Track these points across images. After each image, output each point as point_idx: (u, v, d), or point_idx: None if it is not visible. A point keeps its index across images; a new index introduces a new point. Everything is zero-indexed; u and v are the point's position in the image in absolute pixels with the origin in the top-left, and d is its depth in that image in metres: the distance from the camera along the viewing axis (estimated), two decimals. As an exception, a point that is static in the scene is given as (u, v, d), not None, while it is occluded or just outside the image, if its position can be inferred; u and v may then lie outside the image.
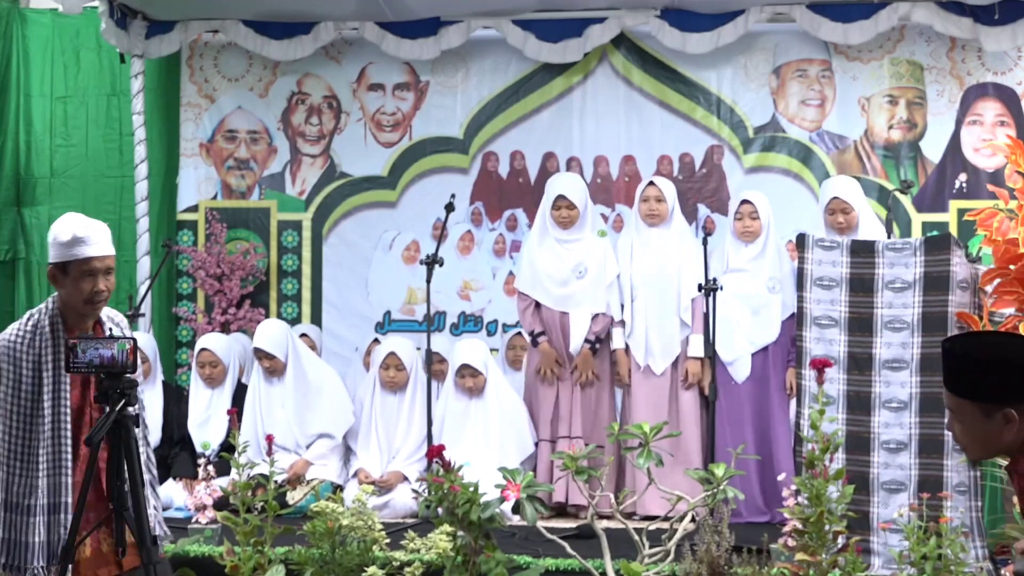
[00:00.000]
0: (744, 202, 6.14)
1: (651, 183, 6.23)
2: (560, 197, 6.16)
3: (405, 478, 6.17)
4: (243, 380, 6.57)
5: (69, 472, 3.28)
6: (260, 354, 6.27)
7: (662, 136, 7.29)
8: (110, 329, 3.48)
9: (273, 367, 6.27)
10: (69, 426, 3.30)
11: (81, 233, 3.37)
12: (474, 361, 6.17)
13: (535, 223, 6.41)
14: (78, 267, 3.34)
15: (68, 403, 3.29)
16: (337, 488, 6.10)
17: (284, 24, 7.18)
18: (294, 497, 6.05)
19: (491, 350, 6.65)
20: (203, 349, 6.45)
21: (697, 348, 6.00)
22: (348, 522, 4.73)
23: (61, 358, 3.31)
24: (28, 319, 3.39)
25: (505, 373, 6.60)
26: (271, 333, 6.31)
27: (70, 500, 3.28)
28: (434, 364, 6.39)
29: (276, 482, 4.82)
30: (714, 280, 5.64)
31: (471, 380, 6.18)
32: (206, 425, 6.33)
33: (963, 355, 2.64)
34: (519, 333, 6.85)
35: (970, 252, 5.85)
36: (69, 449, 3.29)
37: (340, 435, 6.32)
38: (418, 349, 6.46)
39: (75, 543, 3.95)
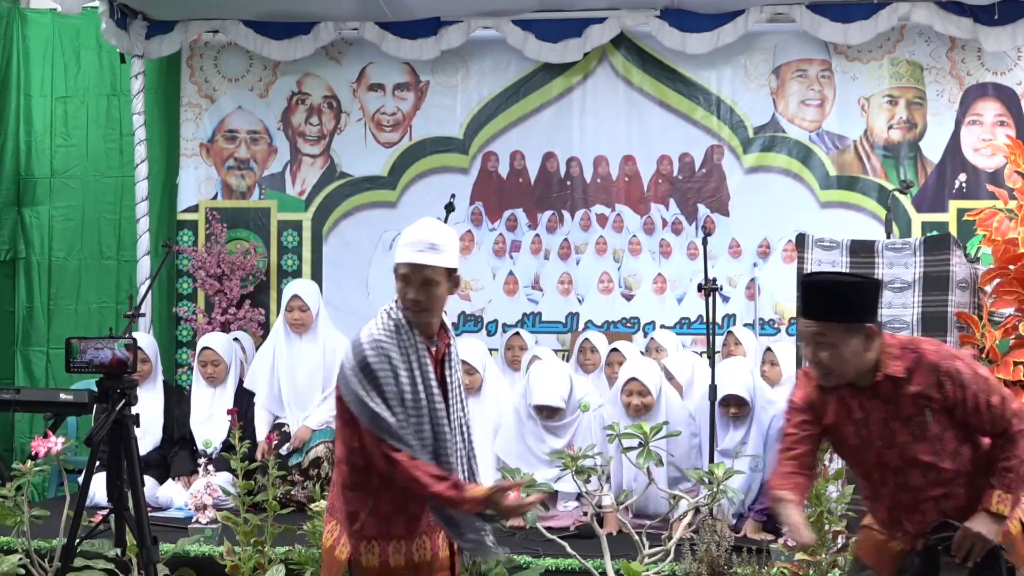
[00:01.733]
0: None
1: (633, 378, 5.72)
2: (539, 408, 5.86)
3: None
4: (243, 379, 6.57)
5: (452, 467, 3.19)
6: (294, 304, 6.39)
7: (662, 136, 7.29)
8: (448, 345, 3.29)
9: (303, 321, 6.37)
10: (445, 422, 3.19)
11: (413, 237, 3.20)
12: (469, 357, 6.16)
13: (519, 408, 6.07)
14: (396, 270, 3.21)
15: (437, 397, 3.18)
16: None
17: (284, 24, 7.18)
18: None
19: (490, 350, 6.66)
20: (205, 348, 6.46)
21: None
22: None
23: (425, 358, 3.18)
24: (387, 318, 3.20)
25: (504, 373, 6.61)
26: (309, 286, 6.59)
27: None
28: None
29: (277, 469, 4.81)
30: (714, 280, 5.63)
31: (467, 377, 6.17)
32: (208, 423, 6.34)
33: (822, 283, 3.16)
34: (517, 333, 6.86)
35: (969, 252, 5.86)
36: (447, 444, 3.18)
37: None
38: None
39: (75, 542, 3.96)
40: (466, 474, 3.26)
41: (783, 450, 3.22)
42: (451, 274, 3.21)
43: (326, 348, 6.38)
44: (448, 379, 3.26)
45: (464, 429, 3.29)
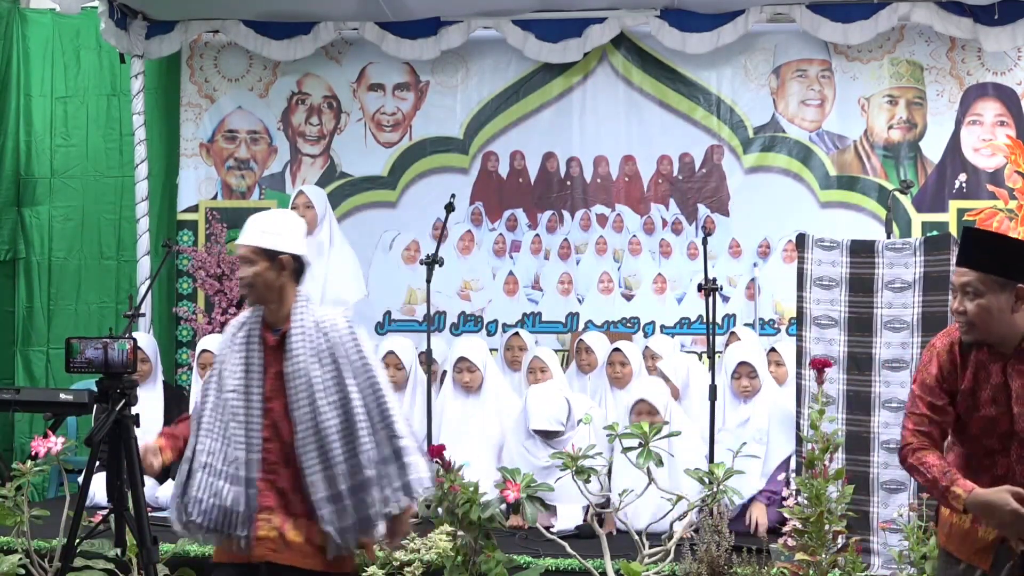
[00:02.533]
0: (742, 363, 5.83)
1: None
2: (540, 431, 5.76)
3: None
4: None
5: (257, 451, 3.29)
6: (299, 200, 6.59)
7: (662, 136, 7.30)
8: (301, 330, 3.33)
9: (304, 216, 6.43)
10: (259, 408, 3.30)
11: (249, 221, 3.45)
12: (471, 355, 6.16)
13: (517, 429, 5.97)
14: None
15: (261, 389, 3.30)
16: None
17: (284, 24, 7.18)
18: None
19: (490, 350, 6.65)
20: (204, 350, 6.46)
21: None
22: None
23: (254, 344, 3.34)
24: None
25: (504, 373, 6.60)
26: (316, 189, 6.88)
27: (255, 477, 3.28)
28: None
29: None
30: (714, 280, 5.63)
31: (468, 375, 6.17)
32: (206, 425, 6.33)
33: (985, 234, 3.12)
34: (517, 333, 6.85)
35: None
36: (258, 431, 3.30)
37: (352, 302, 6.49)
38: (421, 353, 6.45)
39: (75, 542, 3.96)
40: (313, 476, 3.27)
41: (914, 431, 3.22)
42: (274, 257, 3.33)
43: (329, 252, 6.43)
44: (286, 370, 3.30)
45: (308, 425, 3.27)
